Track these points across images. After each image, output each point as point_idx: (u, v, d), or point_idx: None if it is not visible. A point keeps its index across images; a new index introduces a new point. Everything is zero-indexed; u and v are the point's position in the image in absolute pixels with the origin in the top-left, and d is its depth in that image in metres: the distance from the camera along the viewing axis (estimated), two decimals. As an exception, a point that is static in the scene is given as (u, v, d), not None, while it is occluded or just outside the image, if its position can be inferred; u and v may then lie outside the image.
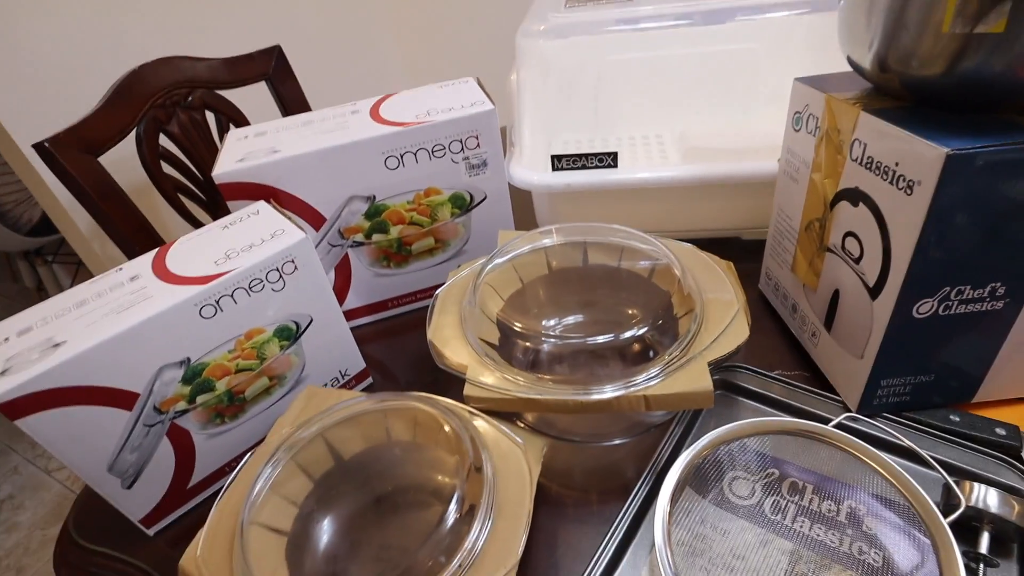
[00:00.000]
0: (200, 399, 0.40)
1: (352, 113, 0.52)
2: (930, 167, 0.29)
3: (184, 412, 0.39)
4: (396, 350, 0.55)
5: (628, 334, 0.37)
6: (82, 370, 0.34)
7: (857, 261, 0.37)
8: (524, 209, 0.61)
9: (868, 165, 0.34)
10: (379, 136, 0.48)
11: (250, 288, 0.39)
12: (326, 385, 0.47)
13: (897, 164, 0.32)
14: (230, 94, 0.87)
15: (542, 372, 0.38)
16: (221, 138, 0.88)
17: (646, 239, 0.46)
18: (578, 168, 0.53)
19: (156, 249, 0.41)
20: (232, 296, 0.38)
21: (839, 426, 0.36)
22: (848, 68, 0.40)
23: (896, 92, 0.35)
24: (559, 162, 0.54)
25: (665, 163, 0.68)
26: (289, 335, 0.43)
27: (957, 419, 0.38)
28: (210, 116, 0.86)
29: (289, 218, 0.43)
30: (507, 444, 0.35)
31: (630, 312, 0.47)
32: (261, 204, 0.45)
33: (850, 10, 0.36)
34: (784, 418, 0.36)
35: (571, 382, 0.36)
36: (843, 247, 0.38)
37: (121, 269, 0.40)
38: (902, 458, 0.36)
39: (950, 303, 0.34)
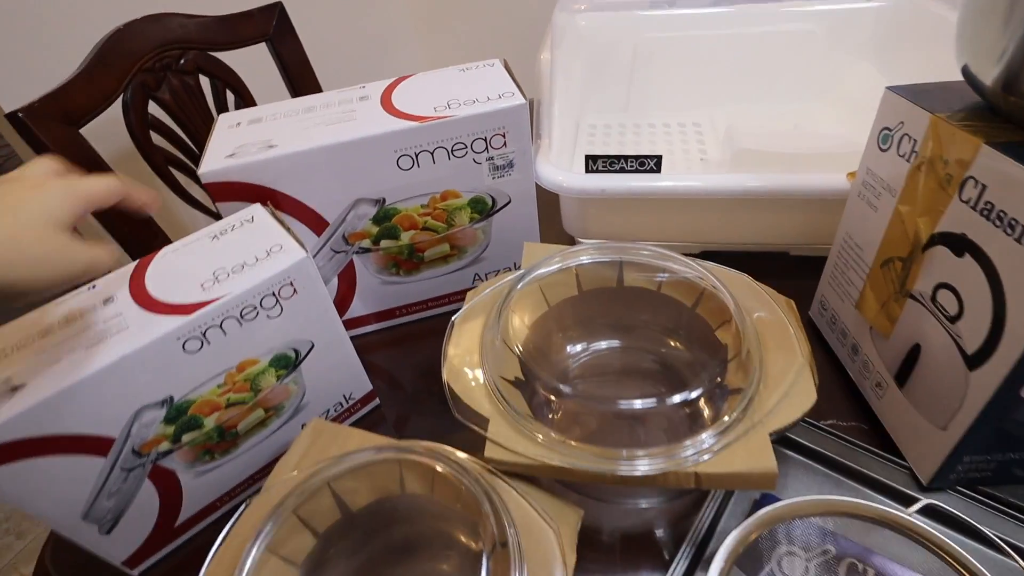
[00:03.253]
0: (186, 438, 0.35)
1: (360, 100, 0.45)
2: (1082, 234, 0.24)
3: (168, 452, 0.35)
4: (404, 361, 0.51)
5: (676, 399, 0.32)
6: (45, 419, 0.29)
7: (952, 320, 0.31)
8: (548, 207, 0.55)
9: (985, 212, 0.28)
10: (392, 132, 0.41)
11: (242, 317, 0.34)
12: (329, 412, 0.43)
13: (1030, 220, 0.26)
14: (227, 56, 0.79)
15: (573, 427, 0.33)
16: (217, 106, 0.81)
17: (692, 265, 0.40)
18: (615, 171, 0.47)
19: (135, 263, 0.36)
20: (221, 327, 0.33)
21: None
22: (957, 78, 0.33)
23: (1025, 121, 0.29)
24: (594, 163, 0.47)
25: (707, 162, 0.61)
26: (287, 364, 0.38)
27: (1043, 498, 0.34)
28: (204, 82, 0.79)
29: (288, 228, 0.37)
30: (537, 524, 0.31)
31: (672, 344, 0.42)
32: (256, 209, 0.39)
33: (977, 7, 0.30)
34: (852, 500, 0.31)
35: (607, 447, 0.31)
36: (934, 298, 0.33)
37: (94, 287, 0.35)
38: (981, 544, 0.32)
39: (1066, 382, 0.29)
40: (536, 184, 0.48)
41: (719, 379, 0.35)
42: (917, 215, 0.33)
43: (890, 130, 0.35)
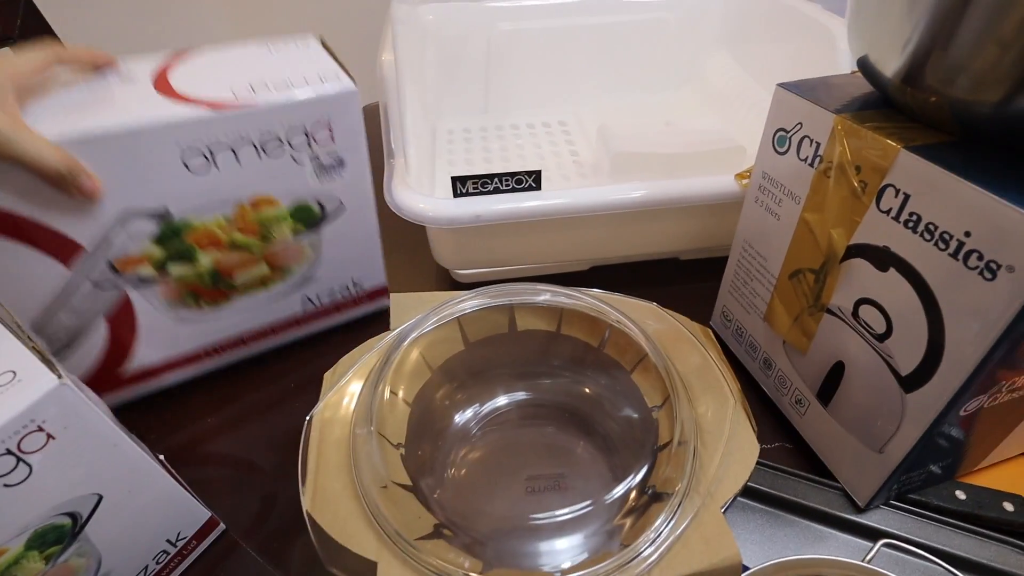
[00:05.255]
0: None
1: (123, 82, 0.33)
2: (1037, 252, 0.21)
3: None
4: (236, 438, 0.39)
5: (615, 494, 0.26)
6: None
7: (880, 339, 0.29)
8: (412, 232, 0.46)
9: (910, 224, 0.26)
10: (174, 122, 0.31)
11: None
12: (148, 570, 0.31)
13: (968, 235, 0.23)
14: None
15: (487, 542, 0.26)
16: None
17: (590, 298, 0.34)
18: (489, 192, 0.40)
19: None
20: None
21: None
22: (815, 65, 0.31)
23: (932, 117, 0.26)
24: (463, 186, 0.39)
25: (581, 165, 0.56)
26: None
27: (964, 496, 0.33)
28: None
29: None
30: None
31: (585, 391, 0.36)
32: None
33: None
34: (811, 557, 0.28)
35: (529, 570, 0.24)
36: (855, 314, 0.30)
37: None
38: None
39: (999, 395, 0.27)
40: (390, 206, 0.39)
41: (653, 443, 0.29)
42: (829, 225, 0.30)
43: (786, 131, 0.32)
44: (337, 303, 0.44)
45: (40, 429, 0.23)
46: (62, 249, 0.31)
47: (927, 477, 0.32)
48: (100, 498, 0.27)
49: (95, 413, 0.25)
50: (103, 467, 0.26)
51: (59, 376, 0.23)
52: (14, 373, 0.23)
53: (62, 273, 0.32)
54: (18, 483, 0.23)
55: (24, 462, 0.23)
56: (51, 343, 0.31)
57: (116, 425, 0.27)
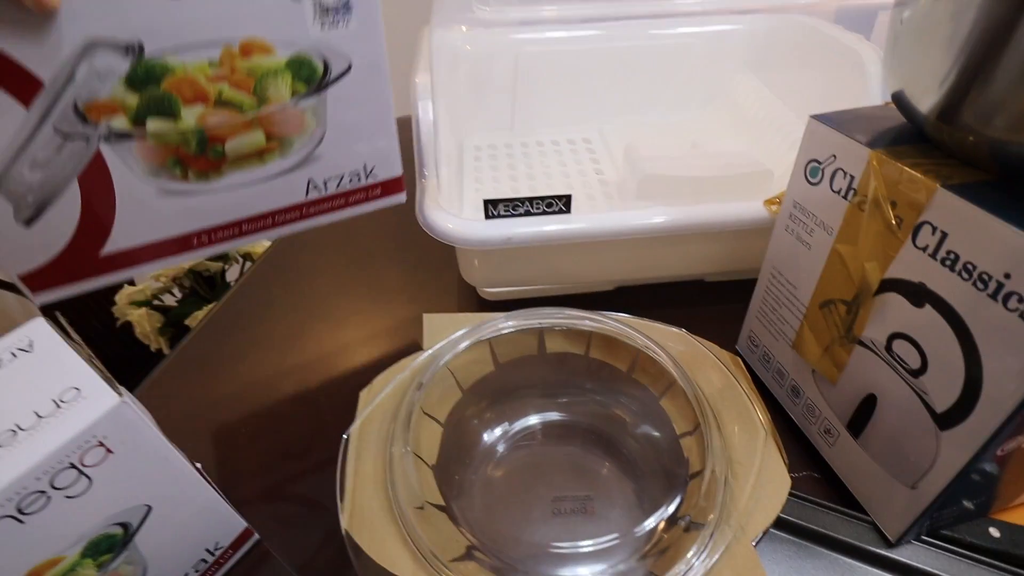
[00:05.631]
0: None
1: None
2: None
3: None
4: (258, 438, 0.40)
5: (646, 526, 0.26)
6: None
7: (915, 374, 0.29)
8: (441, 248, 0.47)
9: (948, 262, 0.26)
10: None
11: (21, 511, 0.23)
12: None
13: (1008, 277, 0.23)
14: None
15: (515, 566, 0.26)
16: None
17: (619, 323, 0.35)
18: (520, 215, 0.41)
19: None
20: None
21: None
22: (843, 88, 0.31)
23: (969, 155, 0.27)
24: (494, 208, 0.40)
25: (606, 184, 0.57)
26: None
27: (998, 534, 0.33)
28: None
29: (90, 357, 0.26)
30: None
31: (615, 414, 0.36)
32: (36, 327, 0.27)
33: (913, 27, 0.27)
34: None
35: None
36: (889, 348, 0.30)
37: None
38: (958, 602, 0.30)
39: (1037, 434, 0.27)
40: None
41: (684, 472, 0.30)
42: (862, 258, 0.30)
43: (819, 163, 0.32)
44: (346, 192, 0.39)
45: (100, 444, 0.24)
46: (14, 81, 0.26)
47: (960, 513, 0.32)
48: (149, 509, 0.28)
49: (149, 429, 0.26)
50: (153, 479, 0.28)
51: (119, 394, 0.24)
52: (78, 390, 0.25)
53: (19, 113, 0.27)
54: (79, 495, 0.24)
55: (85, 475, 0.24)
56: (18, 209, 0.27)
57: (165, 439, 0.28)
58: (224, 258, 0.79)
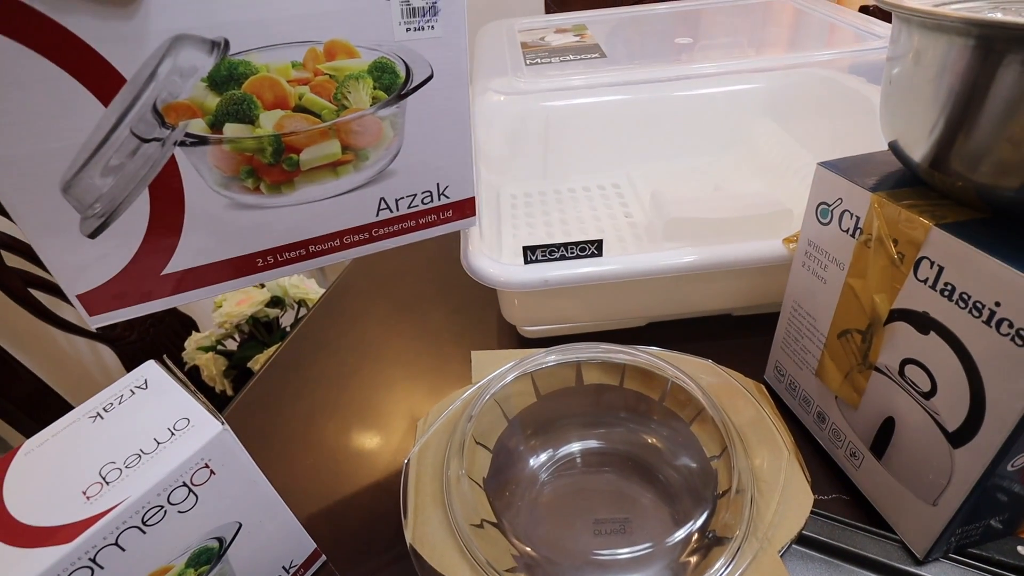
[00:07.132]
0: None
1: None
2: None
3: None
4: (328, 467, 0.44)
5: (677, 536, 0.29)
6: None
7: (926, 396, 0.31)
8: (486, 290, 0.51)
9: (946, 292, 0.28)
10: None
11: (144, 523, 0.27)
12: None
13: (998, 305, 0.26)
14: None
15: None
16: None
17: (649, 356, 0.38)
18: (556, 259, 0.45)
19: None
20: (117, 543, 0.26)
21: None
22: (856, 134, 0.34)
23: (961, 198, 0.30)
24: (532, 254, 0.45)
25: (635, 225, 0.61)
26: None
27: (1028, 552, 0.34)
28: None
29: (193, 392, 0.30)
30: None
31: (648, 441, 0.39)
32: (149, 369, 0.32)
33: (902, 85, 0.30)
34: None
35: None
36: (902, 373, 0.32)
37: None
38: (990, 619, 0.31)
39: (1047, 451, 0.29)
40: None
41: (713, 491, 0.32)
42: (872, 291, 0.33)
43: (828, 205, 0.35)
44: (418, 212, 0.37)
45: (206, 466, 0.29)
46: (95, 76, 0.24)
47: (986, 531, 0.33)
48: (240, 525, 0.32)
49: (244, 453, 0.31)
50: (244, 499, 0.32)
51: (222, 423, 0.29)
52: (188, 420, 0.29)
53: (97, 111, 0.24)
54: (188, 511, 0.29)
55: (193, 493, 0.29)
56: (85, 219, 0.24)
57: (254, 463, 0.32)
58: (280, 304, 0.85)
